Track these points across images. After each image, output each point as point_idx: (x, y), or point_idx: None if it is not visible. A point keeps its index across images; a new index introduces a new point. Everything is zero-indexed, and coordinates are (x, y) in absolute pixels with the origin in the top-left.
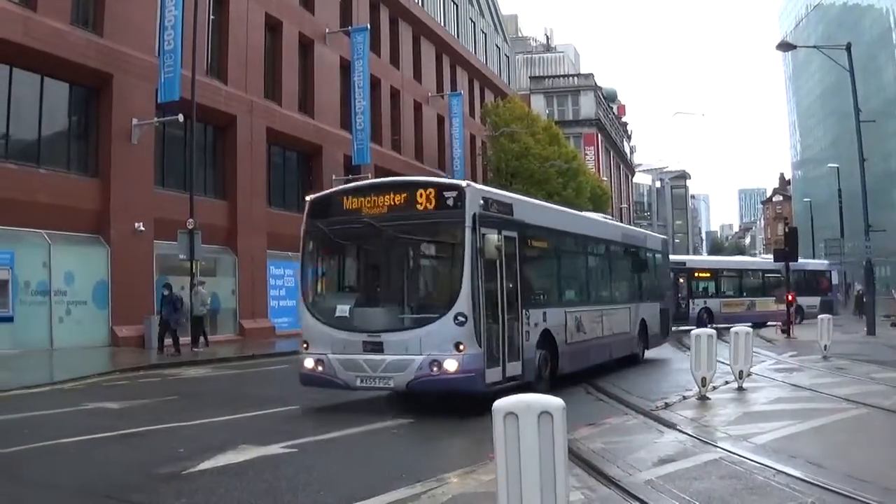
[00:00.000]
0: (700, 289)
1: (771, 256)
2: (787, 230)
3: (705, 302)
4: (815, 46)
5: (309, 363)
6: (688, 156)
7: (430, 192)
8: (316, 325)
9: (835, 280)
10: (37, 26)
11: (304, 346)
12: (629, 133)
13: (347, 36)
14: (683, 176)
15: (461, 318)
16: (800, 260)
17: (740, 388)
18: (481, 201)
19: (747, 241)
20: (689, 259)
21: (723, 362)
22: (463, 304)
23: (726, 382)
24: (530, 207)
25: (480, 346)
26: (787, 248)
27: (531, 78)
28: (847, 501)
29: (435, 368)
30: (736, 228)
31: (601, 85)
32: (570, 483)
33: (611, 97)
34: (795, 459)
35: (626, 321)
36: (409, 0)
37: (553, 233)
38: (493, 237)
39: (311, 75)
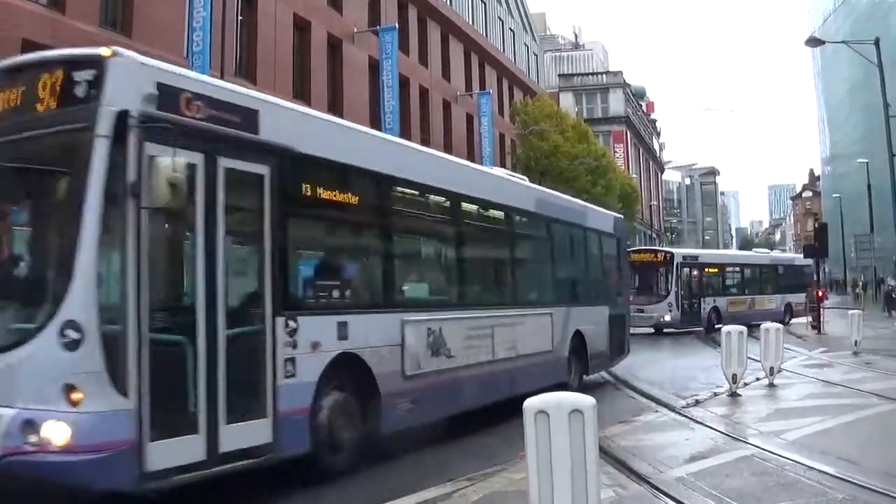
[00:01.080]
0: (710, 286)
1: (765, 250)
2: (816, 226)
3: (714, 300)
4: (843, 42)
5: None
6: (717, 152)
7: (51, 76)
8: None
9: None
10: (65, 28)
11: None
12: (658, 130)
13: (376, 35)
14: (713, 172)
15: (71, 334)
16: (787, 254)
17: (771, 385)
18: (149, 89)
19: (777, 237)
20: (703, 253)
21: (753, 359)
22: (76, 301)
23: (757, 379)
24: (306, 123)
25: (127, 391)
26: (816, 244)
27: (560, 76)
28: (879, 497)
29: (31, 438)
30: (766, 225)
31: (630, 82)
32: (602, 480)
33: (639, 94)
34: (827, 456)
35: (544, 334)
36: None
37: (368, 178)
38: (171, 163)
39: (339, 75)
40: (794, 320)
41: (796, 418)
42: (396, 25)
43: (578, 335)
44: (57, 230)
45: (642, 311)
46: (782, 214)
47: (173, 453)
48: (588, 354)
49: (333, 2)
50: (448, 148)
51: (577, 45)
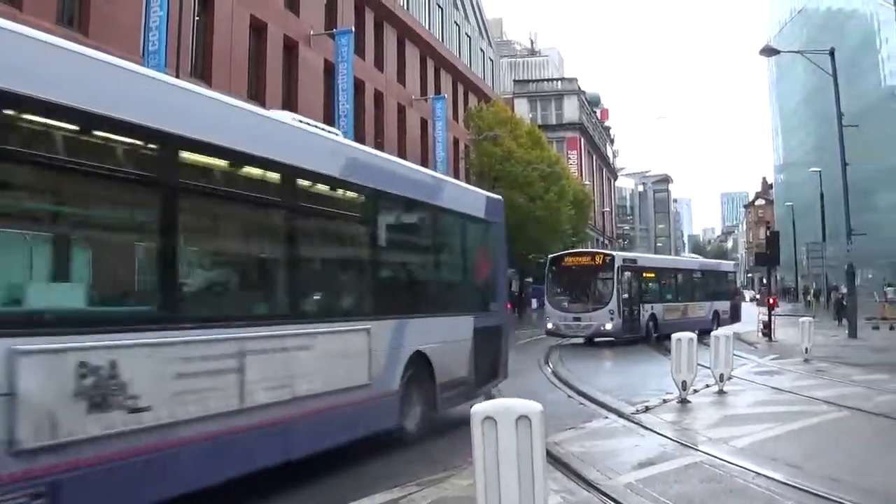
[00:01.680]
0: (648, 292)
1: (694, 256)
2: (768, 234)
3: (652, 308)
4: (798, 51)
5: None
6: (670, 160)
7: None
8: None
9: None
10: (22, 25)
11: None
12: (612, 137)
13: (332, 38)
14: (666, 180)
15: None
16: (712, 259)
17: (721, 392)
18: None
19: (729, 244)
20: (641, 256)
21: (704, 366)
22: None
23: (707, 386)
24: None
25: None
26: (768, 252)
27: (515, 82)
28: (826, 503)
29: None
30: (718, 232)
31: (585, 89)
32: (549, 487)
33: (594, 101)
34: (775, 462)
35: (352, 362)
36: (394, 3)
37: None
38: None
39: (295, 77)
40: (733, 328)
41: (746, 425)
42: (353, 29)
43: (420, 358)
44: None
45: (579, 319)
46: (735, 222)
47: None
48: (437, 384)
49: (290, 4)
50: (402, 152)
51: (532, 52)
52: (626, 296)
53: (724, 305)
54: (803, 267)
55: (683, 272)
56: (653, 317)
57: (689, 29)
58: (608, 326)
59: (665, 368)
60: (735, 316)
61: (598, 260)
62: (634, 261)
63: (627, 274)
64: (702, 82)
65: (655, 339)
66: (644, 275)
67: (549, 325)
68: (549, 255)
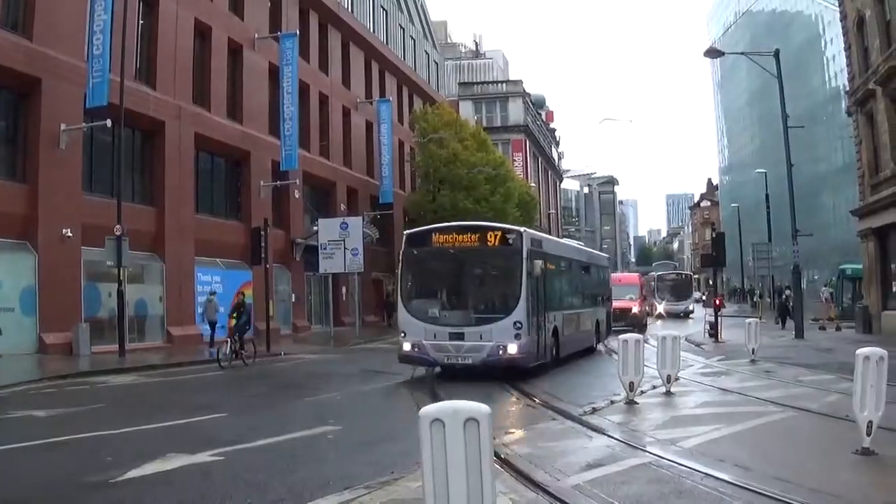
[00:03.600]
0: (552, 295)
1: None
2: (714, 235)
3: (554, 318)
4: (743, 53)
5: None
6: (616, 162)
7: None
8: None
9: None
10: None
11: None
12: (557, 139)
13: (276, 41)
14: (611, 181)
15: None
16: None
17: (668, 393)
18: None
19: (675, 246)
20: (547, 238)
21: (650, 367)
22: None
23: (654, 387)
24: None
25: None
26: (714, 254)
27: (460, 84)
28: (774, 503)
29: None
30: (664, 234)
31: (529, 91)
32: (498, 489)
33: (539, 103)
34: (723, 463)
35: (589, 321)
36: (338, 6)
37: None
38: None
39: (240, 81)
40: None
41: (693, 426)
42: (297, 32)
43: (598, 321)
44: None
45: (460, 336)
46: (680, 223)
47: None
48: (601, 331)
49: (234, 7)
50: (347, 154)
51: (477, 54)
52: (533, 300)
53: (602, 314)
54: (750, 268)
55: (588, 266)
56: (555, 332)
57: (633, 30)
58: (512, 349)
59: (612, 369)
60: (609, 328)
61: (495, 238)
62: (540, 243)
63: (538, 264)
64: (647, 84)
65: (554, 364)
66: (549, 266)
67: (406, 347)
68: (406, 232)
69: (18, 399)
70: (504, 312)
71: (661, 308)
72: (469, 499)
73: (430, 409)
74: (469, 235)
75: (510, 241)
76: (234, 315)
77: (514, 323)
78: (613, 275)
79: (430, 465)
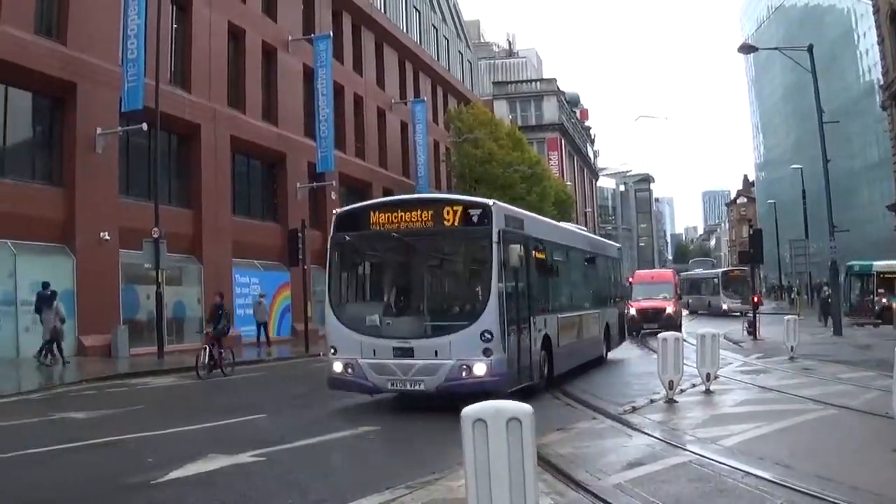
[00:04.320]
0: (539, 292)
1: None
2: (751, 232)
3: (545, 322)
4: (776, 48)
5: None
6: (651, 159)
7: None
8: None
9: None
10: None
11: None
12: (592, 137)
13: (310, 43)
14: (647, 179)
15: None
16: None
17: (708, 391)
18: None
19: (712, 243)
20: (529, 216)
21: (690, 365)
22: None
23: (693, 385)
24: None
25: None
26: (752, 251)
27: (494, 83)
28: (815, 502)
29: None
30: (701, 231)
31: (564, 89)
32: (539, 488)
33: (573, 102)
34: (763, 461)
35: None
36: (371, 7)
37: None
38: None
39: (274, 83)
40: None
41: (733, 424)
42: (331, 33)
43: (607, 325)
44: None
45: (408, 353)
46: (717, 220)
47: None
48: (609, 337)
49: (268, 9)
50: (383, 155)
51: (510, 53)
52: (510, 299)
53: (613, 316)
54: (787, 264)
55: (593, 256)
56: (546, 342)
57: (667, 27)
58: (479, 370)
59: (649, 369)
60: (623, 333)
61: (453, 215)
62: (521, 223)
63: (516, 250)
64: (681, 80)
65: (547, 385)
66: (535, 254)
67: (336, 368)
68: (336, 211)
69: (58, 401)
70: (468, 318)
71: (726, 305)
72: (512, 499)
73: (473, 408)
74: (419, 213)
75: (475, 219)
76: (211, 320)
77: (483, 333)
78: (645, 272)
79: (472, 464)
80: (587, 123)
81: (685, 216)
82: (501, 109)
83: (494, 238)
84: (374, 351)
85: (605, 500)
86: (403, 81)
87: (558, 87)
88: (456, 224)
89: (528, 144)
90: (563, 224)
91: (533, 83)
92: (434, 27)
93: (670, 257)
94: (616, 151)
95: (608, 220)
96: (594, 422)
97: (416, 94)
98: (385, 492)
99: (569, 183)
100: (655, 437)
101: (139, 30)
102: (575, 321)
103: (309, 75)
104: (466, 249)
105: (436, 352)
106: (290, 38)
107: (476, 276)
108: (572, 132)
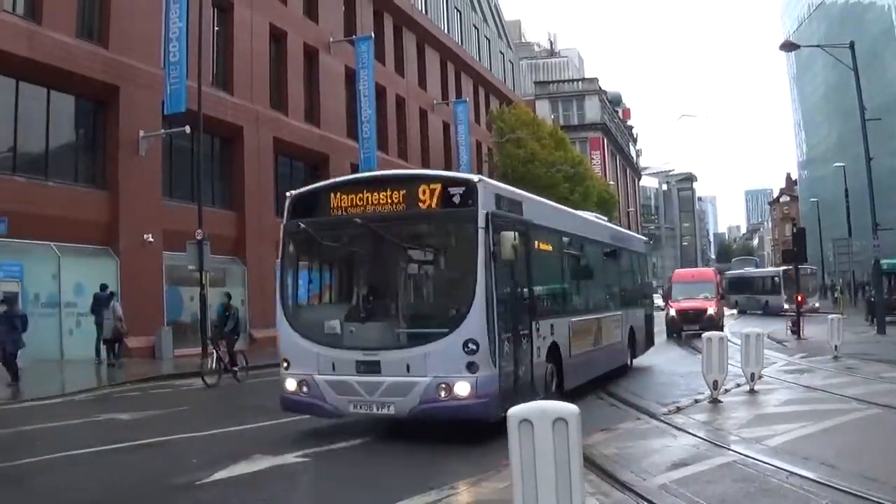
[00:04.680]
0: (546, 292)
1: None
2: (794, 231)
3: (552, 328)
4: (818, 46)
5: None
6: (694, 158)
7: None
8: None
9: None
10: (42, 40)
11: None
12: (635, 136)
13: (352, 45)
14: (690, 178)
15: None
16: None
17: (752, 391)
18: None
19: (755, 242)
20: (530, 199)
21: (734, 365)
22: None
23: (738, 385)
24: None
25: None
26: (796, 249)
27: (536, 83)
28: (860, 502)
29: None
30: (743, 230)
31: (606, 89)
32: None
33: (615, 101)
34: (808, 461)
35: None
36: (412, 8)
37: None
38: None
39: (316, 85)
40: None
41: (778, 424)
42: (372, 35)
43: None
44: None
45: (374, 369)
46: (760, 219)
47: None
48: (636, 343)
49: (309, 11)
50: (425, 156)
51: (552, 53)
52: (503, 300)
53: (639, 318)
54: (830, 263)
55: (614, 250)
56: (554, 352)
57: (707, 25)
58: (462, 390)
59: (693, 369)
60: (649, 337)
61: (430, 195)
62: (520, 206)
63: (509, 239)
64: (724, 78)
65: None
66: (539, 244)
67: (289, 385)
68: (290, 194)
69: (103, 403)
70: (448, 325)
71: (787, 305)
72: (558, 499)
73: (518, 409)
74: (388, 193)
75: (456, 200)
76: (218, 322)
77: (466, 343)
78: (685, 270)
79: (518, 465)
80: (629, 122)
81: (728, 215)
82: (543, 109)
83: (481, 222)
84: (334, 365)
85: (650, 500)
86: (445, 82)
87: (600, 87)
88: (434, 206)
89: (570, 144)
90: (578, 212)
91: (574, 83)
92: (475, 27)
93: (713, 256)
94: (658, 150)
95: (651, 219)
96: (639, 422)
97: (458, 94)
98: (430, 492)
99: (611, 182)
100: (700, 438)
101: (181, 32)
102: (591, 326)
103: (351, 77)
104: (447, 237)
105: (408, 366)
106: (331, 39)
107: (459, 272)
108: (614, 131)
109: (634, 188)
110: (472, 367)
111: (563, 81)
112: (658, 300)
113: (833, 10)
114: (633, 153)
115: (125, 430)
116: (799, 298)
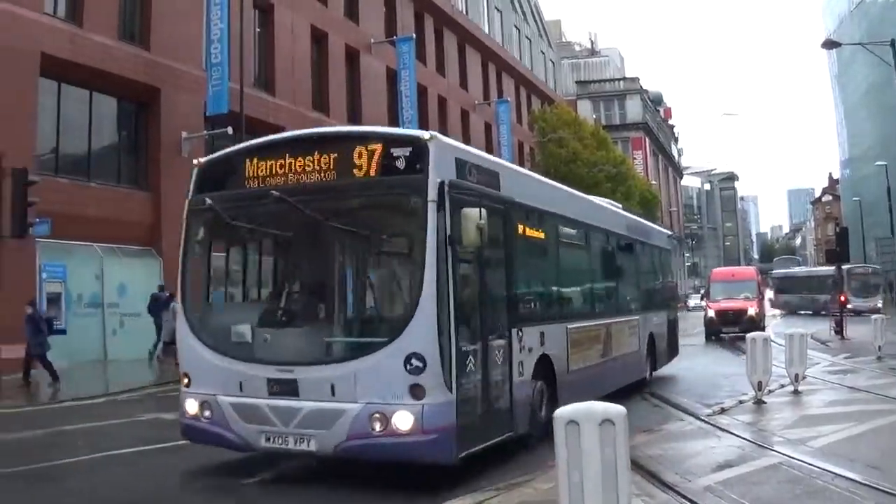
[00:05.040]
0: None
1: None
2: (837, 231)
3: (542, 336)
4: (859, 43)
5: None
6: (735, 157)
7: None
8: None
9: None
10: (84, 42)
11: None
12: (676, 135)
13: (393, 46)
14: (732, 177)
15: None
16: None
17: (796, 392)
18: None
19: (798, 241)
20: (504, 166)
21: (778, 366)
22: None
23: (782, 386)
24: None
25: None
26: (839, 249)
27: (577, 83)
28: None
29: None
30: (786, 229)
31: (647, 88)
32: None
33: (657, 100)
34: (854, 463)
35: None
36: (453, 8)
37: None
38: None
39: (358, 85)
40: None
41: (822, 425)
42: (413, 35)
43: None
44: None
45: (288, 388)
46: (802, 219)
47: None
48: (657, 352)
49: (350, 13)
50: None
51: (593, 52)
52: (466, 300)
53: (661, 324)
54: (873, 263)
55: (630, 243)
56: (544, 367)
57: (749, 23)
58: (402, 422)
59: (736, 370)
60: (674, 346)
61: (367, 159)
62: (494, 178)
63: (473, 219)
64: (765, 77)
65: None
66: (524, 229)
67: (190, 408)
68: (197, 162)
69: (147, 402)
70: (386, 332)
71: (851, 305)
72: (604, 501)
73: (565, 410)
74: (316, 157)
75: (401, 165)
76: None
77: (409, 358)
78: (724, 269)
79: (564, 466)
80: (671, 122)
81: (770, 214)
82: (585, 109)
83: (431, 194)
84: (241, 384)
85: (694, 502)
86: (486, 82)
87: (641, 86)
88: (372, 173)
89: (612, 144)
90: (583, 195)
91: (616, 82)
92: (516, 27)
93: (756, 256)
94: (700, 150)
95: (693, 219)
96: (683, 423)
97: (500, 94)
98: (475, 492)
99: (653, 182)
100: (744, 439)
101: (222, 34)
102: (597, 333)
103: (392, 77)
104: (388, 215)
105: (333, 388)
106: (372, 40)
107: (404, 261)
108: (656, 131)
109: (676, 188)
110: (416, 390)
111: (605, 81)
112: (697, 300)
113: (873, 8)
114: (675, 152)
115: (169, 429)
116: (842, 299)
